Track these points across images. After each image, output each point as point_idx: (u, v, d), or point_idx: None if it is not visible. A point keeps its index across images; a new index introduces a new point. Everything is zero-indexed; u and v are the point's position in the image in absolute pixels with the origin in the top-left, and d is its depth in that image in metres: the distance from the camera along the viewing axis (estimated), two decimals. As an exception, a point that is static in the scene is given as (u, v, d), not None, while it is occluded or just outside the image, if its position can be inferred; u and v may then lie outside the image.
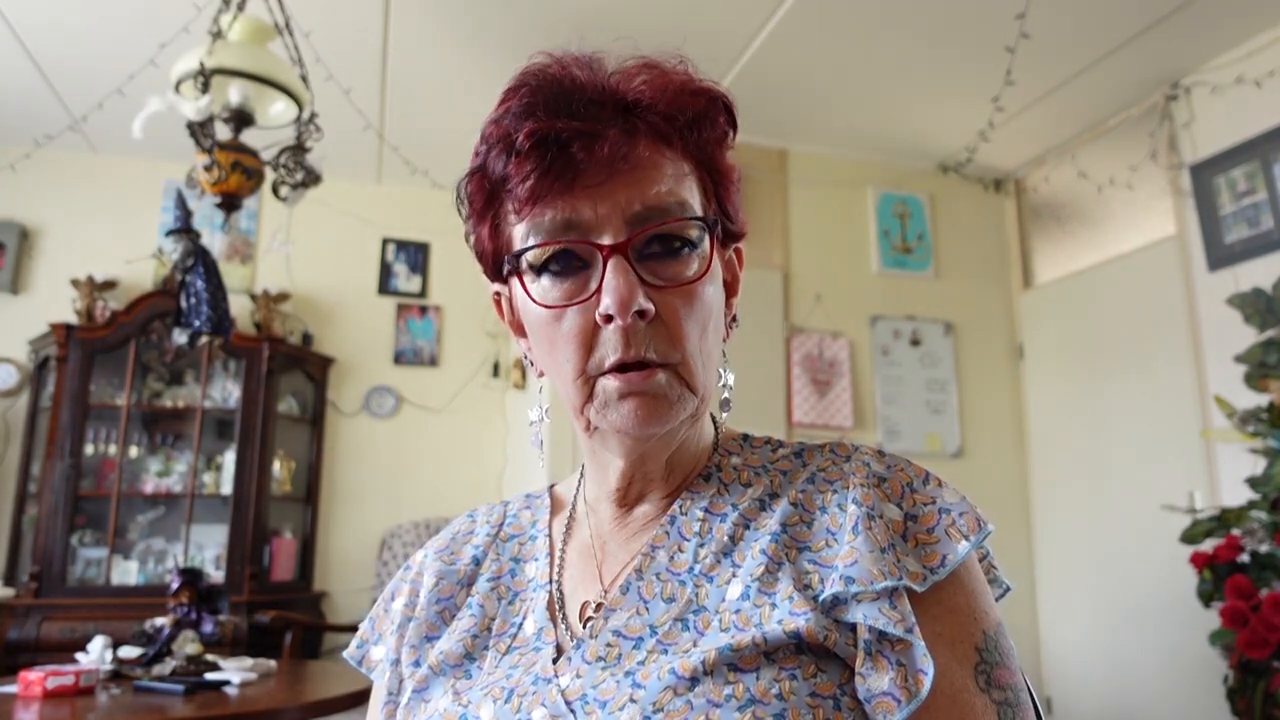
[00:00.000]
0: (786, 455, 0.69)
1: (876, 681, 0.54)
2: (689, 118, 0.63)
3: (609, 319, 0.59)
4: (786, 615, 0.56)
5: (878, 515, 0.59)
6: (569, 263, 0.61)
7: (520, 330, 0.70)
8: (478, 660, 0.65)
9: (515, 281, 0.65)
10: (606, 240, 0.60)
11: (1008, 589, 0.66)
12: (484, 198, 0.65)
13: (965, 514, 0.60)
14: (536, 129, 0.59)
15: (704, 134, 0.65)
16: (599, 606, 0.64)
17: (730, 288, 0.71)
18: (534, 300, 0.62)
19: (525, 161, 0.60)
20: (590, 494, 0.72)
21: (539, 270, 0.62)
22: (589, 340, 0.61)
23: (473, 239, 0.68)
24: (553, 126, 0.59)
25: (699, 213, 0.63)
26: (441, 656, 0.66)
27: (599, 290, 0.59)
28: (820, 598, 0.57)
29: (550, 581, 0.68)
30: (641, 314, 0.59)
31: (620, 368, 0.60)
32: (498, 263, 0.67)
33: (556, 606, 0.66)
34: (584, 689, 0.58)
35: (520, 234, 0.63)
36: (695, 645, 0.57)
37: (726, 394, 0.71)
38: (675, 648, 0.58)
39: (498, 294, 0.72)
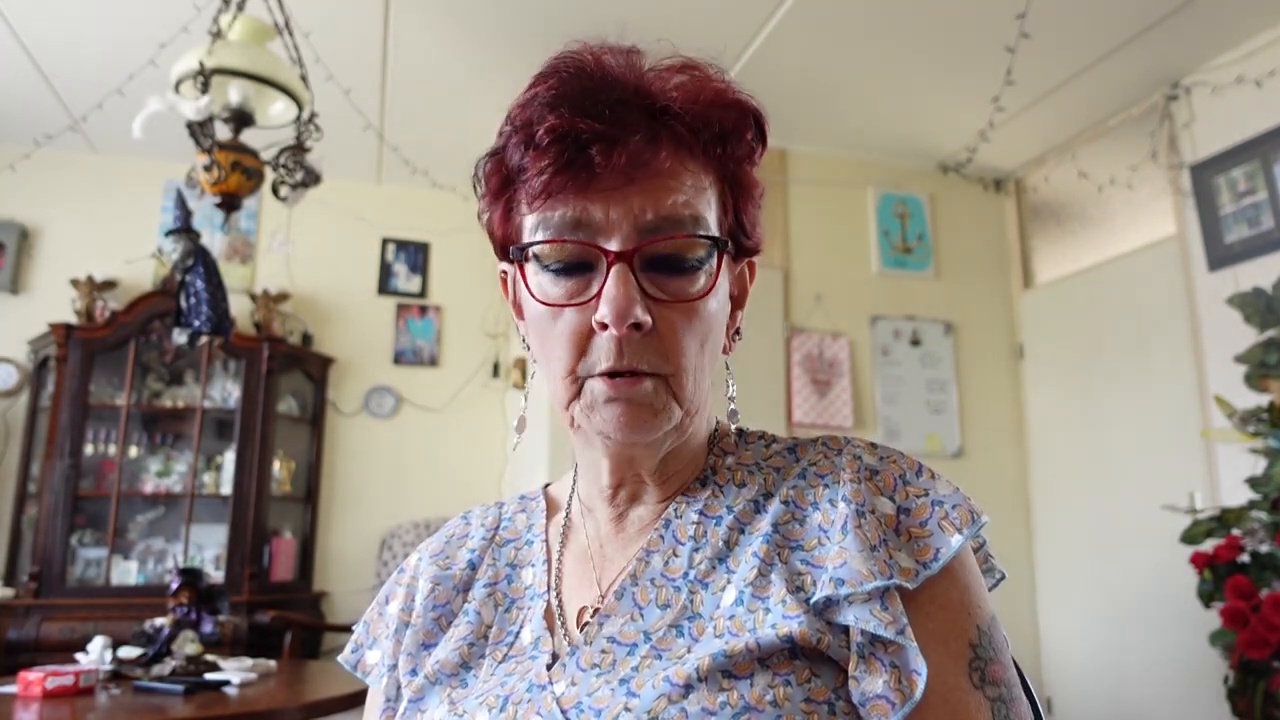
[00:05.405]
0: (780, 451, 0.68)
1: (870, 684, 0.54)
2: (717, 131, 0.62)
3: (605, 326, 0.58)
4: (780, 619, 0.56)
5: (869, 510, 0.59)
6: (573, 263, 0.60)
7: (521, 312, 0.70)
8: (474, 669, 0.65)
9: (518, 272, 0.65)
10: (614, 245, 0.59)
11: (1002, 576, 0.65)
12: (500, 181, 0.65)
13: (958, 506, 0.59)
14: (557, 125, 0.59)
15: (730, 148, 0.64)
16: (595, 612, 0.63)
17: (737, 301, 0.70)
18: (534, 296, 0.62)
19: (542, 156, 0.59)
20: (584, 493, 0.71)
21: (543, 266, 0.61)
22: (582, 343, 0.60)
23: (485, 218, 0.68)
24: (574, 125, 0.58)
25: (714, 229, 0.63)
26: (438, 666, 0.65)
27: (598, 295, 0.59)
28: (812, 600, 0.57)
29: (548, 590, 0.68)
30: (637, 326, 0.58)
31: (610, 374, 0.59)
32: (505, 247, 0.67)
33: (554, 614, 0.66)
34: (579, 696, 0.57)
35: (529, 226, 0.62)
36: (689, 652, 0.57)
37: (731, 404, 0.70)
38: (670, 654, 0.58)
39: (504, 272, 0.71)
